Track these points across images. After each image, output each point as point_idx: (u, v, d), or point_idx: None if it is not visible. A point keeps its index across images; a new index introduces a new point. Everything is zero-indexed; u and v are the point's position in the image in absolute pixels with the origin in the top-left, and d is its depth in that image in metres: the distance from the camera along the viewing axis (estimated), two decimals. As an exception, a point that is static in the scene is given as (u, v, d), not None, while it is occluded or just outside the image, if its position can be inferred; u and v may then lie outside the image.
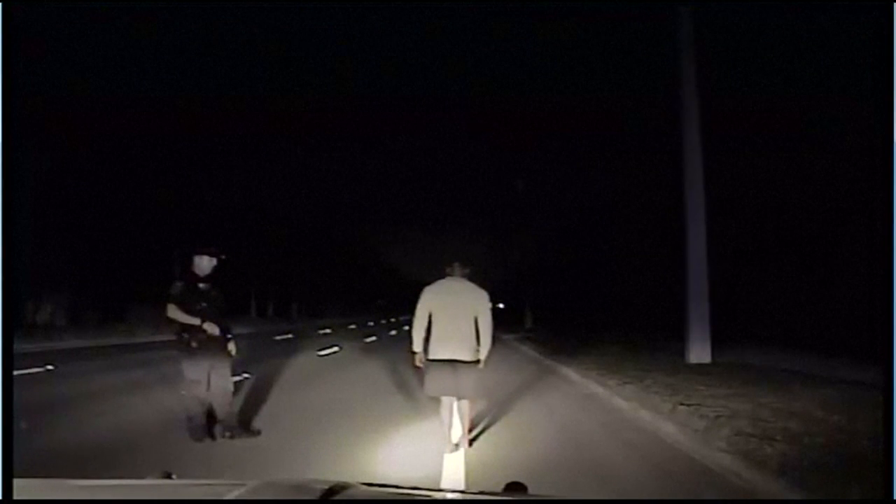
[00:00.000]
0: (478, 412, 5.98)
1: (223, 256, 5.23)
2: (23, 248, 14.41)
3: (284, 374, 10.06)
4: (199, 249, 5.15)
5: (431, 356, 4.70)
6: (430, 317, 4.72)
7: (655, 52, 16.07)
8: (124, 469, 4.00)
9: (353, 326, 33.48)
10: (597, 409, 7.19)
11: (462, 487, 3.80)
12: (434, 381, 4.71)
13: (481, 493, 2.31)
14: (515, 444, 5.13)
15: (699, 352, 11.16)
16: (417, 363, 4.85)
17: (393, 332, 26.05)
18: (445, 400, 4.76)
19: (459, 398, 4.75)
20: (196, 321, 4.92)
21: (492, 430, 5.62)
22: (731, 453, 4.41)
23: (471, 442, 4.93)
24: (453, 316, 4.65)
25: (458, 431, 4.90)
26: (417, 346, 4.77)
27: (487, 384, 6.06)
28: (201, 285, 5.09)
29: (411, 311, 4.91)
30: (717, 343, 11.47)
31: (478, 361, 4.68)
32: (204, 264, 5.13)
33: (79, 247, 22.27)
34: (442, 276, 4.85)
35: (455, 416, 4.85)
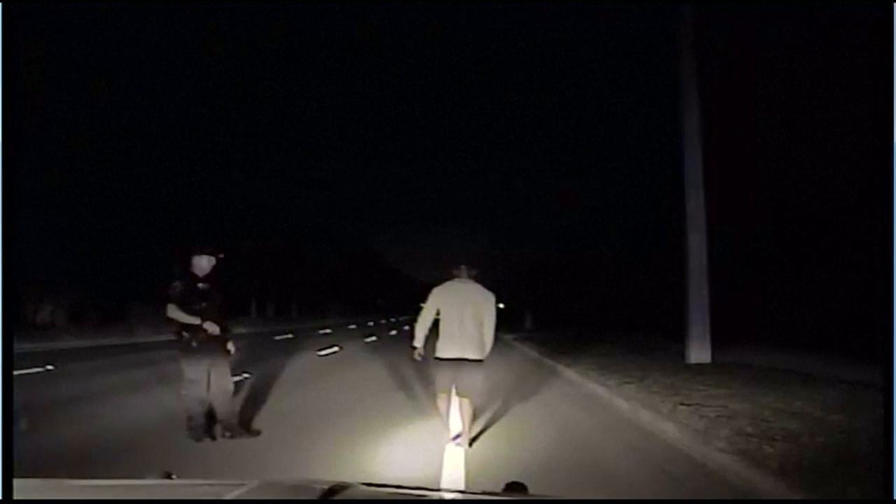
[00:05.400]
0: (478, 412, 6.00)
1: (221, 255, 5.25)
2: (23, 248, 14.40)
3: (285, 373, 10.06)
4: (198, 249, 5.16)
5: (440, 355, 4.83)
6: (436, 317, 4.87)
7: (655, 52, 16.06)
8: (124, 469, 4.00)
9: (353, 326, 33.47)
10: (597, 408, 7.19)
11: (462, 487, 3.80)
12: (444, 378, 4.86)
13: (481, 493, 2.32)
14: (516, 444, 5.14)
15: (699, 352, 11.15)
16: (416, 357, 5.04)
17: (393, 332, 26.04)
18: (443, 394, 4.92)
19: (465, 396, 4.85)
20: (196, 321, 4.93)
21: (492, 430, 5.62)
22: (731, 453, 4.41)
23: (471, 442, 4.94)
24: (461, 316, 4.77)
25: (456, 420, 5.04)
26: (419, 341, 4.96)
27: (488, 383, 6.07)
28: (201, 285, 5.09)
29: (411, 311, 5.01)
30: (717, 343, 11.46)
31: (483, 360, 4.85)
32: (203, 264, 5.14)
33: (78, 247, 22.26)
34: (450, 278, 5.01)
35: (454, 408, 5.01)
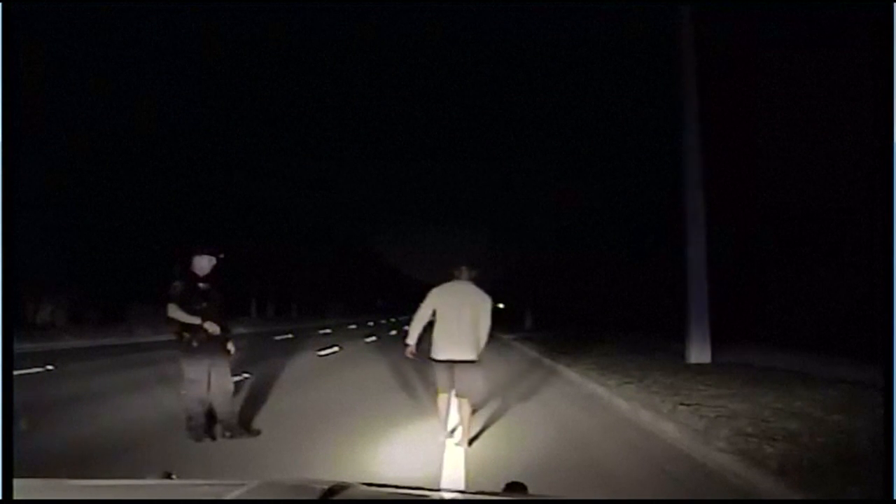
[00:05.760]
0: (478, 412, 6.01)
1: (222, 256, 5.26)
2: (23, 248, 14.40)
3: (284, 373, 10.05)
4: (199, 249, 5.16)
5: (437, 356, 4.89)
6: (432, 317, 4.93)
7: (656, 52, 16.05)
8: (124, 469, 4.00)
9: (353, 327, 33.49)
10: (597, 408, 7.19)
11: (462, 487, 3.80)
12: (443, 379, 4.94)
13: (481, 493, 2.32)
14: (515, 444, 5.14)
15: (699, 352, 11.15)
16: (408, 354, 5.11)
17: (393, 333, 26.05)
18: (443, 393, 4.99)
19: (463, 395, 4.91)
20: (197, 320, 4.93)
21: (492, 429, 5.62)
22: (731, 453, 4.41)
23: (470, 442, 4.96)
24: (459, 318, 4.83)
25: (454, 419, 5.12)
26: (412, 339, 5.03)
27: (486, 383, 6.09)
28: (201, 285, 5.09)
29: (411, 311, 5.07)
30: (717, 343, 11.47)
31: (478, 360, 4.90)
32: (203, 264, 5.14)
33: (78, 247, 22.26)
34: (448, 279, 5.07)
35: (453, 406, 5.07)
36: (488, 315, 4.93)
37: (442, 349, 4.83)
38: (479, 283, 5.13)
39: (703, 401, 6.51)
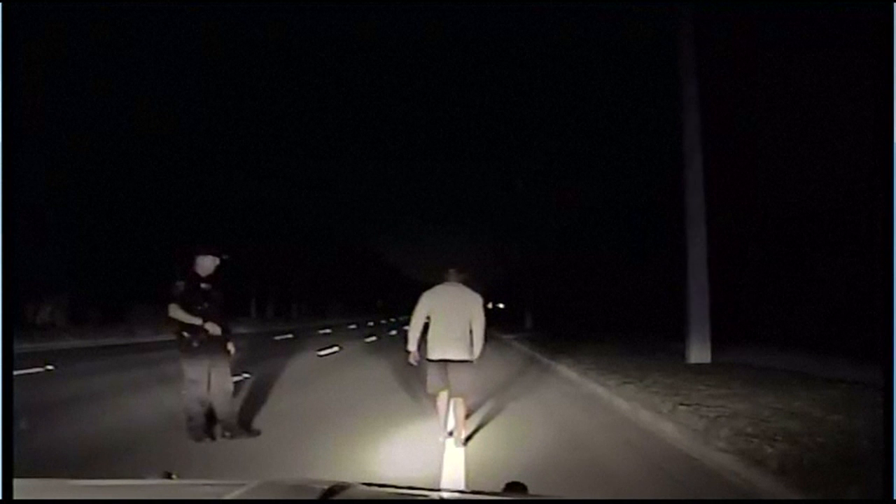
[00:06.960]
0: (477, 412, 6.02)
1: (225, 257, 5.26)
2: (23, 248, 14.39)
3: (285, 373, 10.06)
4: (202, 249, 5.16)
5: (430, 356, 4.96)
6: (427, 319, 5.00)
7: (655, 52, 16.05)
8: (124, 469, 4.00)
9: (353, 327, 33.50)
10: (597, 408, 7.19)
11: (462, 487, 3.80)
12: (434, 379, 5.01)
13: (481, 492, 2.32)
14: (515, 444, 5.14)
15: (699, 352, 11.14)
16: (411, 361, 5.15)
17: (393, 332, 26.06)
18: (442, 392, 5.04)
19: (457, 395, 4.96)
20: (198, 321, 4.93)
21: (491, 429, 5.62)
22: (731, 453, 4.41)
23: (466, 441, 4.99)
24: (450, 319, 4.90)
25: (452, 420, 5.14)
26: (412, 345, 5.08)
27: (486, 383, 6.08)
28: (203, 285, 5.10)
29: (410, 311, 5.14)
30: (717, 343, 11.46)
31: (471, 360, 4.96)
32: (206, 264, 5.15)
33: (79, 246, 22.25)
34: (440, 281, 5.15)
35: (451, 407, 5.12)
36: (481, 314, 4.98)
37: (436, 349, 4.91)
38: (480, 282, 5.18)
39: (703, 401, 6.51)
